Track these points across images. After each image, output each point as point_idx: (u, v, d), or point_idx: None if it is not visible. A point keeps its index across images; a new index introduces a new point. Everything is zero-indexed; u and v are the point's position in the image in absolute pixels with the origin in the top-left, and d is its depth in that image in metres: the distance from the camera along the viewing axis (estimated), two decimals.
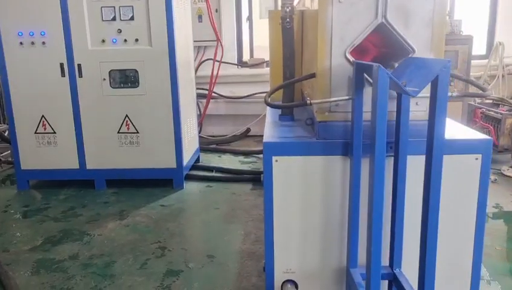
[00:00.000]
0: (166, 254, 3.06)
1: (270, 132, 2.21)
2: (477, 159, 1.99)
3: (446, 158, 1.76)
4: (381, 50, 2.09)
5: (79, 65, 4.19)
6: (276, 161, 2.04)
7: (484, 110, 4.90)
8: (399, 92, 1.65)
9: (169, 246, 3.17)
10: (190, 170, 4.85)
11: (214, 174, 4.84)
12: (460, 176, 2.01)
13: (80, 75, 4.21)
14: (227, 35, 6.33)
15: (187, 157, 4.65)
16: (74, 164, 4.39)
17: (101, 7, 4.10)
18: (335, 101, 1.97)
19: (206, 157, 5.51)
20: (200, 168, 5.02)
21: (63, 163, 4.39)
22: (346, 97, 1.96)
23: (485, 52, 6.28)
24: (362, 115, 1.89)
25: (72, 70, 4.20)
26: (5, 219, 3.74)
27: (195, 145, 5.18)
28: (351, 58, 1.92)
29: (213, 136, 6.44)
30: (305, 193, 2.06)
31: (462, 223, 2.06)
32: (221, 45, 5.56)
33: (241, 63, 6.51)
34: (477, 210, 2.04)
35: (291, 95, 2.45)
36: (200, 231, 3.50)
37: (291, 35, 2.42)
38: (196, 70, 6.15)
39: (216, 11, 6.19)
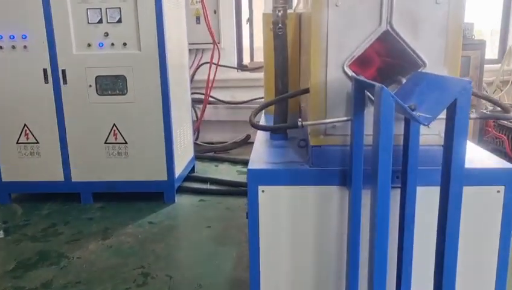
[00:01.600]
0: (148, 282, 2.78)
1: (257, 155, 1.92)
2: (499, 191, 1.69)
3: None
4: (385, 62, 1.79)
5: (63, 71, 3.93)
6: (263, 191, 1.74)
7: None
8: (407, 117, 1.34)
9: (153, 272, 2.89)
10: (184, 181, 4.57)
11: (208, 186, 4.55)
12: (478, 210, 1.71)
13: (65, 82, 3.95)
14: (226, 38, 6.04)
15: (180, 169, 4.37)
16: (59, 176, 4.12)
17: (87, 9, 3.83)
18: (331, 122, 1.67)
19: (203, 166, 5.23)
20: (195, 180, 4.73)
21: (46, 175, 4.13)
22: (345, 118, 1.66)
23: (497, 57, 5.95)
24: (363, 139, 1.60)
25: (56, 77, 3.93)
26: None
27: (190, 153, 4.90)
28: (350, 73, 1.63)
29: (211, 143, 6.16)
30: (297, 229, 1.77)
31: (482, 264, 1.75)
32: (218, 47, 5.26)
33: (241, 67, 6.22)
34: (500, 249, 1.74)
35: (284, 111, 2.16)
36: (188, 254, 3.21)
37: (284, 42, 2.12)
38: (194, 74, 5.88)
39: (214, 12, 5.90)
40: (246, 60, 6.40)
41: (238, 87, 6.10)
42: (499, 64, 5.73)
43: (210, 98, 5.88)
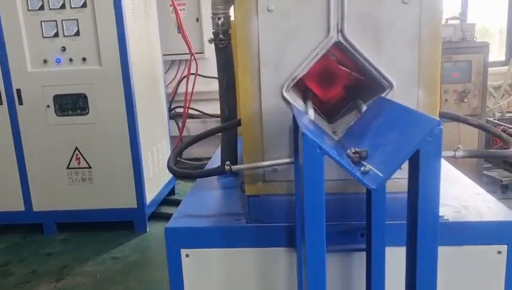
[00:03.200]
0: None
1: (187, 203, 1.51)
2: (500, 252, 1.26)
3: (446, 251, 1.05)
4: (338, 85, 1.38)
5: (18, 90, 3.56)
6: (187, 255, 1.33)
7: (505, 128, 4.12)
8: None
9: None
10: (160, 205, 4.17)
11: None
12: (472, 277, 1.28)
13: (20, 102, 3.57)
14: (210, 47, 5.64)
15: (153, 193, 3.97)
16: (19, 206, 3.74)
17: (41, 21, 3.46)
18: (270, 165, 1.26)
19: (185, 187, 4.82)
20: (174, 203, 4.33)
21: (5, 204, 3.75)
22: (287, 160, 1.25)
23: (504, 58, 5.48)
24: None
25: (10, 97, 3.56)
26: None
27: (168, 174, 4.49)
28: (291, 99, 1.21)
29: (198, 160, 5.75)
30: None
31: None
32: (195, 58, 4.88)
33: None
34: None
35: (230, 143, 1.75)
36: None
37: (229, 57, 1.71)
38: (177, 86, 5.50)
39: (197, 20, 5.52)
40: None
41: None
42: (507, 67, 5.25)
43: (194, 112, 5.49)
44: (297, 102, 1.23)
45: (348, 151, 0.98)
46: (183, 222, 1.36)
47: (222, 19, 1.65)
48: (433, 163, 0.78)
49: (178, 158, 5.21)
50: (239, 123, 1.32)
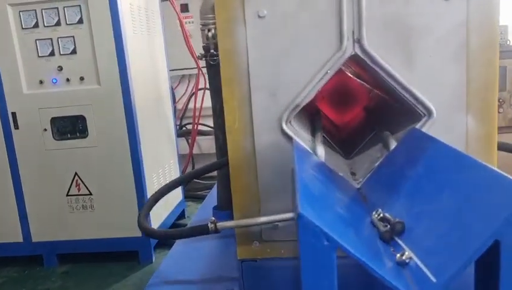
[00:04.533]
0: None
1: (170, 262, 1.21)
2: None
3: None
4: (357, 105, 1.07)
5: (13, 114, 3.33)
6: None
7: None
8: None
9: None
10: None
11: None
12: None
13: (16, 126, 3.35)
14: None
15: (160, 219, 3.69)
16: (17, 237, 3.50)
17: (36, 40, 3.24)
18: (268, 222, 0.95)
19: (196, 209, 4.53)
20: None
21: (3, 235, 3.52)
22: (290, 214, 0.94)
23: None
24: None
25: (5, 121, 3.34)
26: None
27: (178, 196, 4.22)
28: (293, 132, 0.91)
29: (213, 178, 5.47)
30: None
31: None
32: (202, 72, 4.63)
33: None
34: None
35: (226, 186, 1.45)
36: None
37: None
38: (187, 102, 5.27)
39: None
40: None
41: None
42: None
43: (205, 128, 5.23)
44: (301, 135, 0.93)
45: (374, 214, 0.67)
46: None
47: (213, 31, 1.37)
48: None
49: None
50: (224, 163, 1.02)
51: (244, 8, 0.88)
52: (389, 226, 0.62)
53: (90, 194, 3.42)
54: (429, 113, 0.88)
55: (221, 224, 0.95)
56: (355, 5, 0.85)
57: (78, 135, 3.35)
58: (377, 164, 0.90)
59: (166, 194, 1.31)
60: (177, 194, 4.19)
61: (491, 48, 0.86)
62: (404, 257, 0.55)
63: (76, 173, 3.40)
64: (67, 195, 3.44)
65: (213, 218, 0.98)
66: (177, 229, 1.35)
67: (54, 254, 3.55)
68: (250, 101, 0.92)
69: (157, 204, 3.52)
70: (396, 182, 0.76)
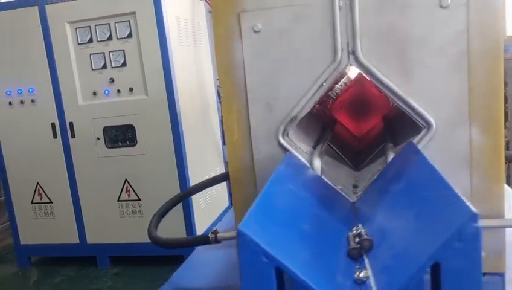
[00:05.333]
0: None
1: (185, 267, 1.25)
2: None
3: None
4: (375, 116, 1.05)
5: (71, 124, 3.57)
6: None
7: None
8: None
9: None
10: None
11: None
12: None
13: (73, 135, 3.58)
14: None
15: (206, 224, 3.78)
16: (74, 238, 3.74)
17: (90, 54, 3.45)
18: None
19: None
20: None
21: (62, 237, 3.76)
22: None
23: None
24: None
25: (64, 130, 3.59)
26: None
27: (224, 203, 4.29)
28: (288, 145, 0.91)
29: None
30: None
31: None
32: None
33: None
34: None
35: None
36: None
37: None
38: None
39: None
40: None
41: None
42: None
43: None
44: (299, 148, 0.93)
45: (353, 230, 0.66)
46: None
47: None
48: (466, 283, 0.44)
49: None
50: (225, 177, 1.04)
51: (240, 23, 0.90)
52: (360, 243, 0.61)
53: (139, 199, 3.57)
54: (429, 125, 0.84)
55: (221, 235, 0.97)
56: (349, 16, 0.85)
57: (127, 143, 3.52)
58: (374, 177, 0.88)
59: (177, 204, 1.35)
60: (222, 201, 4.26)
61: (494, 55, 0.81)
62: (362, 275, 0.54)
63: (126, 180, 3.57)
64: (118, 200, 3.61)
65: (215, 228, 1.00)
66: (180, 238, 1.39)
67: (106, 255, 3.73)
68: (248, 114, 0.93)
69: (202, 212, 3.64)
70: (382, 197, 0.74)
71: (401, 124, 1.00)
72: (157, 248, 3.63)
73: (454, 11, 0.80)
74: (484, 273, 0.89)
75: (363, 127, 1.26)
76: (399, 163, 0.79)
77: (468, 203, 0.47)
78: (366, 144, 1.20)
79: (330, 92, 1.35)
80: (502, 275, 0.88)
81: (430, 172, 0.62)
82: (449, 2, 0.80)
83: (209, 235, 0.98)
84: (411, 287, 0.45)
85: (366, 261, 0.57)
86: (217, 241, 0.97)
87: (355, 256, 0.59)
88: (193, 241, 1.15)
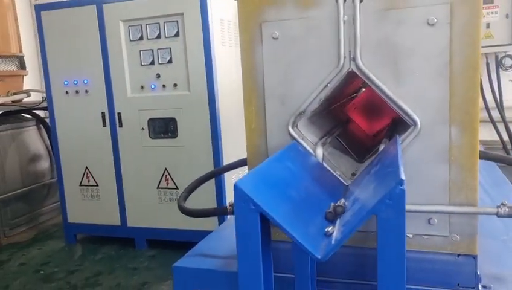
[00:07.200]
0: None
1: (208, 240, 1.44)
2: None
3: None
4: (386, 117, 1.20)
5: (119, 114, 3.87)
6: None
7: None
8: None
9: None
10: None
11: None
12: None
13: (120, 125, 3.88)
14: None
15: None
16: (116, 220, 4.04)
17: (140, 51, 3.73)
18: None
19: None
20: None
21: (105, 218, 4.07)
22: None
23: None
24: None
25: (112, 120, 3.89)
26: (25, 284, 3.50)
27: None
28: (296, 135, 1.08)
29: None
30: None
31: None
32: None
33: None
34: None
35: None
36: None
37: None
38: None
39: None
40: None
41: None
42: None
43: None
44: (306, 138, 1.09)
45: (338, 202, 0.82)
46: (191, 262, 1.30)
47: None
48: (395, 231, 0.60)
49: None
50: (244, 162, 1.22)
51: (261, 31, 1.08)
52: (335, 209, 0.77)
53: (177, 188, 3.81)
54: (415, 123, 0.99)
55: None
56: (351, 29, 1.00)
57: (169, 135, 3.77)
58: (366, 166, 1.03)
59: (204, 182, 1.55)
60: None
61: (472, 68, 0.94)
62: (329, 229, 0.70)
63: (166, 169, 3.83)
64: (157, 188, 3.88)
65: (231, 201, 1.18)
66: (203, 209, 1.59)
67: (144, 238, 4.01)
68: (264, 107, 1.11)
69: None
70: (364, 177, 0.90)
71: (400, 123, 1.14)
72: (191, 234, 3.87)
73: (439, 29, 0.94)
74: (459, 255, 1.03)
75: (375, 126, 1.41)
76: (383, 152, 0.94)
77: (401, 174, 0.62)
78: (375, 141, 1.35)
79: (353, 94, 1.51)
80: (474, 257, 1.01)
81: (394, 157, 0.78)
82: (435, 20, 0.94)
83: (227, 206, 1.17)
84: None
85: (338, 222, 0.73)
86: (233, 212, 1.15)
87: (331, 218, 0.75)
88: (214, 212, 1.34)
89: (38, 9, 3.98)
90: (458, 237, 1.00)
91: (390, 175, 0.65)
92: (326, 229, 0.70)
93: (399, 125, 1.18)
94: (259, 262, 0.67)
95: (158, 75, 3.72)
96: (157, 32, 3.66)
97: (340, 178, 1.05)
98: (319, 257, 0.63)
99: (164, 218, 3.88)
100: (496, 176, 1.94)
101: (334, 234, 0.67)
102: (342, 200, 0.82)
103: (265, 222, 0.67)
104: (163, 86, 3.72)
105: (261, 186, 0.70)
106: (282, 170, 0.83)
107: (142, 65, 3.76)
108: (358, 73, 1.01)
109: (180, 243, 3.91)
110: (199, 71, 3.58)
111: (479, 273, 1.02)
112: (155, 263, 3.73)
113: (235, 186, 0.66)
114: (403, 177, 0.59)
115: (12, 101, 4.65)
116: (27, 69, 4.95)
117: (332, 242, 0.64)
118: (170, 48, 3.65)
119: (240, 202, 0.65)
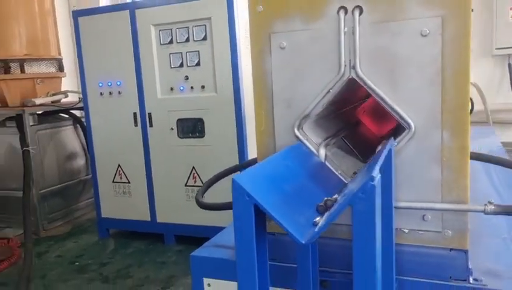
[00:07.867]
0: None
1: (225, 232, 1.55)
2: None
3: None
4: (376, 127, 1.28)
5: (149, 114, 4.06)
6: (209, 285, 1.38)
7: None
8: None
9: None
10: None
11: None
12: None
13: (151, 125, 4.07)
14: None
15: None
16: (146, 216, 4.23)
17: (170, 54, 3.91)
18: None
19: None
20: None
21: (136, 214, 4.27)
22: None
23: None
24: None
25: (143, 120, 4.08)
26: (61, 274, 3.72)
27: None
28: (301, 136, 1.18)
29: None
30: None
31: None
32: None
33: None
34: None
35: None
36: None
37: None
38: None
39: None
40: None
41: None
42: None
43: None
44: (311, 139, 1.19)
45: (327, 198, 0.92)
46: (208, 251, 1.41)
47: None
48: (367, 222, 0.69)
49: None
50: (254, 161, 1.32)
51: (270, 42, 1.19)
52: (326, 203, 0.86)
53: None
54: (409, 127, 1.07)
55: None
56: (351, 39, 1.09)
57: (197, 134, 3.93)
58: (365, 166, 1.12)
59: (221, 178, 1.66)
60: None
61: (463, 75, 1.01)
62: (317, 220, 0.79)
63: (193, 167, 3.98)
64: (185, 185, 4.04)
65: None
66: (218, 203, 1.71)
67: (172, 234, 4.18)
68: (272, 111, 1.21)
69: None
70: (360, 174, 0.99)
71: (401, 127, 1.22)
72: (217, 230, 3.98)
73: (432, 39, 1.02)
74: (451, 249, 1.11)
75: (384, 128, 1.48)
76: (379, 153, 1.03)
77: (374, 171, 0.71)
78: (379, 143, 1.43)
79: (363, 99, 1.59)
80: (465, 252, 1.08)
81: (378, 156, 0.86)
82: (428, 32, 1.01)
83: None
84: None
85: (326, 214, 0.83)
86: None
87: (322, 211, 0.85)
88: (229, 205, 1.45)
89: (76, 15, 4.22)
90: (450, 232, 1.07)
91: (368, 172, 0.73)
92: (314, 220, 0.79)
93: (400, 128, 1.26)
94: (253, 250, 0.77)
95: (187, 77, 3.88)
96: (186, 36, 3.82)
97: (340, 176, 1.14)
98: (303, 242, 0.73)
99: (191, 215, 4.03)
100: None
101: (319, 223, 0.77)
102: (336, 196, 0.91)
103: (261, 214, 0.77)
104: (192, 87, 3.88)
105: (257, 180, 0.80)
106: (281, 167, 0.93)
107: (171, 68, 3.93)
108: (357, 80, 1.10)
109: (206, 239, 4.05)
110: (226, 73, 3.71)
111: (470, 266, 1.08)
112: (182, 257, 3.88)
113: (233, 181, 0.76)
114: (375, 174, 0.68)
115: (52, 102, 4.92)
116: (65, 71, 5.22)
117: (315, 229, 0.74)
118: (198, 51, 3.80)
119: (237, 195, 0.76)
